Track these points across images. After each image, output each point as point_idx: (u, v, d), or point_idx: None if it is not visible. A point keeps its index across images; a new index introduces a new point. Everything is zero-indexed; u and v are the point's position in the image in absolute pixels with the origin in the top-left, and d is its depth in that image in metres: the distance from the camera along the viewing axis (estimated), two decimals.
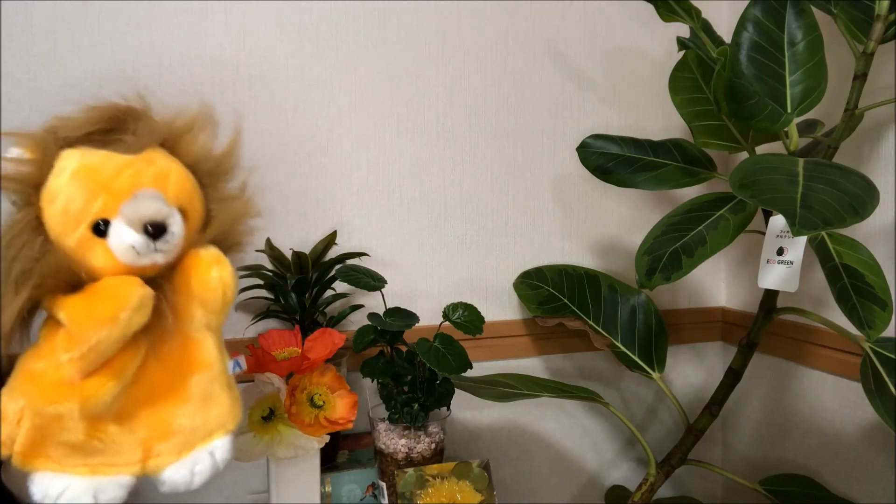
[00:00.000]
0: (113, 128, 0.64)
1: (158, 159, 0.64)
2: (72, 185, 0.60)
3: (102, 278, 0.60)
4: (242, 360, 0.71)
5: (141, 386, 0.62)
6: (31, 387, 0.59)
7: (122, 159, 0.61)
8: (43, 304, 0.61)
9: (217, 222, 0.67)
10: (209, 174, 0.68)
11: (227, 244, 0.68)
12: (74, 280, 0.59)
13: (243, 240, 0.70)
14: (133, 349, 0.60)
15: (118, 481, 0.60)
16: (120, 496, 0.60)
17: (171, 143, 0.66)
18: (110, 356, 0.59)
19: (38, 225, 0.60)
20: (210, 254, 0.65)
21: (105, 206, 0.59)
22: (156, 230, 0.60)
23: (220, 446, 0.65)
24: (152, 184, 0.62)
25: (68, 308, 0.59)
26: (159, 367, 0.62)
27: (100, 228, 0.60)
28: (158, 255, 0.61)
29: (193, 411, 0.64)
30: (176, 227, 0.61)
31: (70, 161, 0.61)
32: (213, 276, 0.64)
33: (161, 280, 0.62)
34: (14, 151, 0.62)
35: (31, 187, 0.61)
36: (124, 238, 0.59)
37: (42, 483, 0.59)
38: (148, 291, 0.59)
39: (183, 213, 0.64)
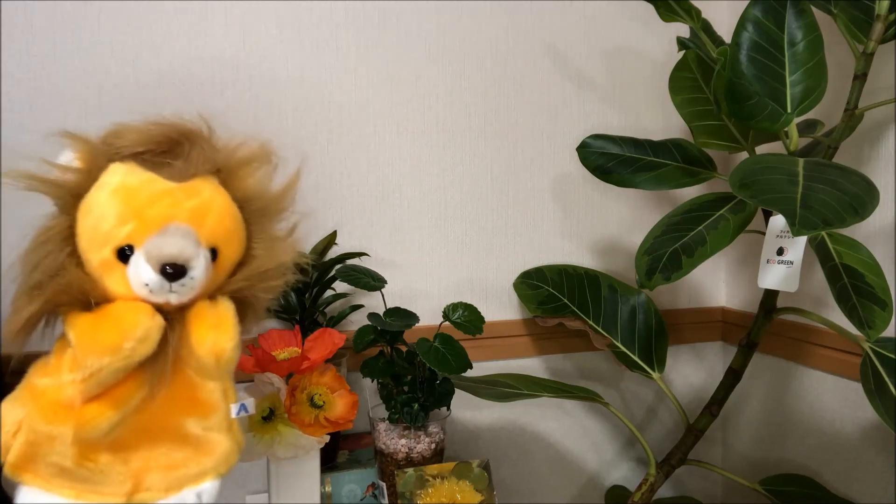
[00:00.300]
0: (167, 149, 0.61)
1: (204, 191, 0.61)
2: (107, 204, 0.58)
3: (115, 301, 0.59)
4: (251, 403, 0.67)
5: (143, 416, 0.60)
6: (32, 401, 0.58)
7: (162, 186, 0.59)
8: (60, 315, 0.60)
9: (255, 264, 0.64)
10: (258, 213, 0.65)
11: (263, 287, 0.65)
12: (86, 300, 0.58)
13: (279, 285, 0.66)
14: (138, 380, 0.59)
15: None
16: None
17: (225, 174, 0.63)
18: (114, 384, 0.57)
19: (69, 235, 0.59)
20: (215, 315, 0.61)
21: (133, 234, 0.57)
22: (175, 272, 0.57)
23: (209, 490, 0.63)
24: (187, 219, 0.59)
25: (76, 328, 0.57)
26: (163, 401, 0.61)
27: (125, 254, 0.58)
28: (173, 296, 0.58)
29: (189, 450, 0.63)
30: (198, 270, 0.59)
31: (113, 177, 0.59)
32: (207, 341, 0.60)
33: (174, 316, 0.60)
34: (66, 156, 0.60)
35: (71, 196, 0.59)
36: (140, 274, 0.57)
37: (27, 498, 0.58)
38: (156, 322, 0.57)
39: (216, 251, 0.61)
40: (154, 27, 0.94)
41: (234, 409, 0.65)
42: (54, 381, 0.58)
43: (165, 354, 0.59)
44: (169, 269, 0.57)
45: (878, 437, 0.97)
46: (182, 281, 0.58)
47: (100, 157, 0.60)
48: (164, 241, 0.57)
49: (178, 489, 0.62)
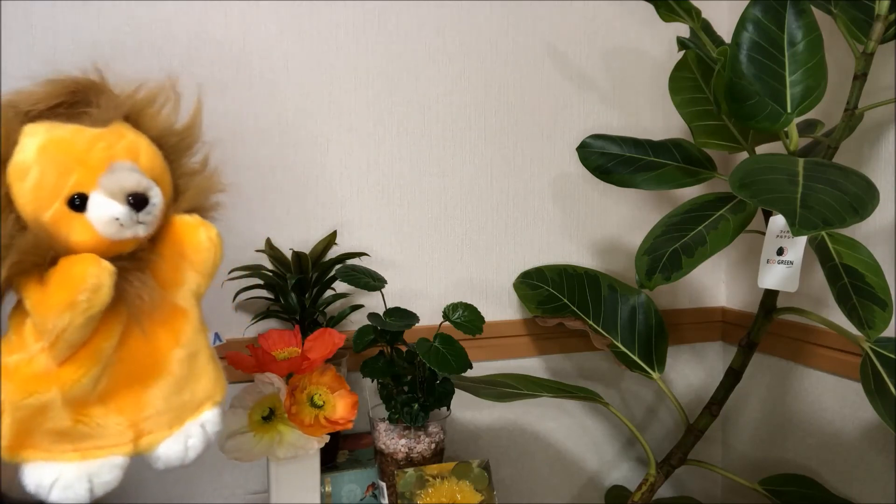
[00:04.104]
0: (75, 101, 0.63)
1: (127, 132, 0.63)
2: (42, 160, 0.58)
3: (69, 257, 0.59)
4: (220, 333, 0.73)
5: (124, 364, 0.61)
6: (7, 381, 0.58)
7: (92, 132, 0.60)
8: (14, 286, 0.59)
9: (188, 196, 0.67)
10: (173, 148, 0.68)
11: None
12: (54, 256, 0.58)
13: (210, 215, 0.69)
14: (107, 329, 0.59)
15: (111, 462, 0.59)
16: (116, 477, 0.59)
17: (134, 117, 0.65)
18: (84, 340, 0.58)
19: (7, 203, 0.59)
20: (194, 218, 0.65)
21: (81, 180, 0.58)
22: (138, 201, 0.59)
23: (210, 418, 0.65)
24: (126, 156, 0.61)
25: (30, 295, 0.57)
26: (141, 344, 0.62)
27: (75, 203, 0.58)
28: (140, 228, 0.60)
29: (180, 385, 0.63)
30: (157, 198, 0.61)
31: (35, 136, 0.59)
32: (202, 237, 0.64)
33: (143, 252, 0.62)
34: None
35: None
36: (107, 210, 0.58)
37: (34, 474, 0.58)
38: (104, 268, 0.57)
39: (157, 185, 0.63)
40: (154, 27, 0.94)
41: (210, 337, 0.67)
42: (23, 355, 0.58)
43: (136, 294, 0.60)
44: (132, 200, 0.59)
45: (878, 437, 0.97)
46: (147, 209, 0.60)
47: (10, 120, 0.60)
48: (119, 175, 0.59)
49: (180, 424, 0.63)
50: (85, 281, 0.56)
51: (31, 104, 0.61)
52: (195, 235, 0.64)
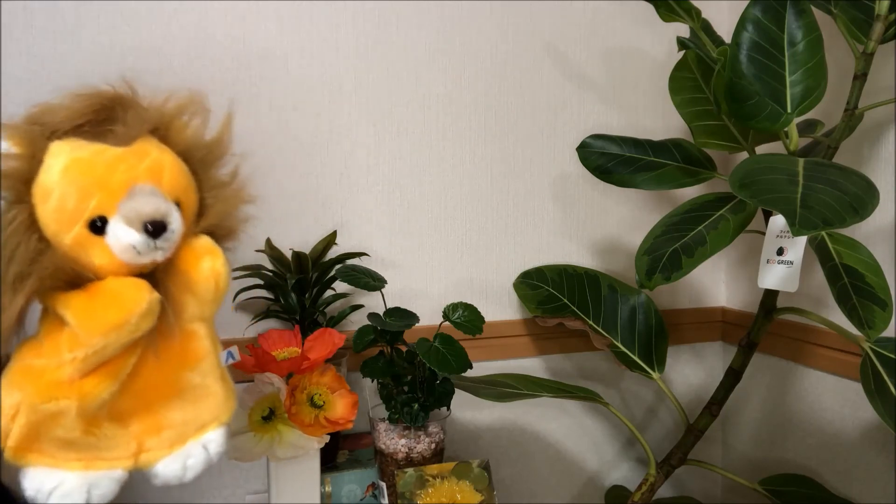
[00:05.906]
0: (102, 118, 0.62)
1: (151, 150, 0.62)
2: (64, 182, 0.58)
3: (106, 278, 0.60)
4: (235, 350, 0.71)
5: (136, 380, 0.61)
6: (29, 383, 0.58)
7: (114, 153, 0.60)
8: (39, 299, 0.60)
9: (212, 212, 0.66)
10: (201, 162, 0.67)
11: (222, 233, 0.67)
12: (74, 279, 0.59)
13: (238, 227, 0.69)
14: (132, 349, 0.60)
15: (111, 475, 0.60)
16: (112, 491, 0.60)
17: (162, 131, 0.64)
18: (114, 357, 0.59)
19: (31, 223, 0.59)
20: (202, 244, 0.64)
21: (101, 204, 0.58)
22: (156, 228, 0.59)
23: (214, 439, 0.64)
24: (147, 178, 0.60)
25: (75, 309, 0.58)
26: (155, 362, 0.62)
27: (97, 226, 0.59)
28: (158, 253, 0.60)
29: (186, 404, 0.64)
30: (175, 223, 0.61)
31: (59, 157, 0.59)
32: (204, 266, 0.63)
33: (159, 274, 0.62)
34: (2, 145, 0.59)
35: (21, 183, 0.59)
36: (124, 238, 0.58)
37: (35, 478, 0.58)
38: (156, 296, 0.59)
39: (178, 205, 0.63)
40: (154, 27, 0.94)
41: (222, 356, 0.67)
42: (53, 360, 0.58)
43: (163, 318, 0.60)
44: (150, 227, 0.59)
45: (878, 437, 0.97)
46: (165, 236, 0.60)
47: (37, 139, 0.59)
48: (137, 201, 0.59)
49: (182, 443, 0.63)
50: (140, 305, 0.58)
51: (58, 122, 0.60)
52: (197, 264, 0.63)
